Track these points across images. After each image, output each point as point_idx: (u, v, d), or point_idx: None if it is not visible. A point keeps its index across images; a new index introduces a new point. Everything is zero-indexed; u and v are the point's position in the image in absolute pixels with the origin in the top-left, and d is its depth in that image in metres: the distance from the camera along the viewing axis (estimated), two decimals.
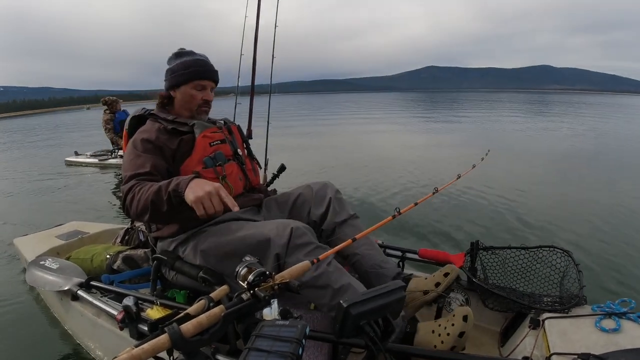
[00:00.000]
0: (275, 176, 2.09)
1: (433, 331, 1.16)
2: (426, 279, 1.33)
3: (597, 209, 3.90)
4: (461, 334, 1.09)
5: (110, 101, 6.41)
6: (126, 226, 2.22)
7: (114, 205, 4.59)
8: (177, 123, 1.39)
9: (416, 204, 1.50)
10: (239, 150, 1.51)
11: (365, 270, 1.38)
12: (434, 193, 1.64)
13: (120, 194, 1.24)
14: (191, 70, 1.40)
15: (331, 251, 1.04)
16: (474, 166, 2.16)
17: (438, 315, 1.41)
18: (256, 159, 1.65)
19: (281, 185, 1.98)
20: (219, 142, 1.42)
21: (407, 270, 1.73)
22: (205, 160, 1.35)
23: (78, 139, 13.11)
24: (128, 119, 1.48)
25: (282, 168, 2.09)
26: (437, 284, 1.29)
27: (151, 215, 1.14)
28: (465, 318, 1.11)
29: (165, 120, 1.40)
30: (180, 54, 1.45)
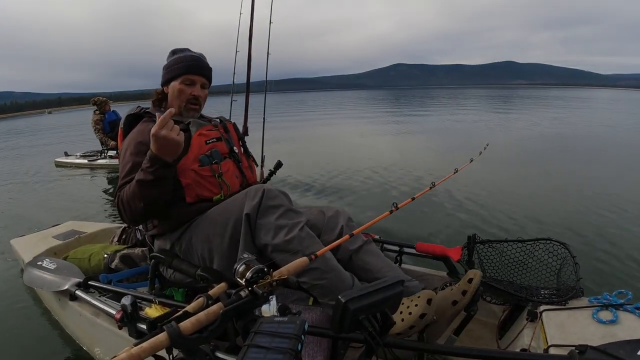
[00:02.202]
0: (272, 173, 2.08)
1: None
2: (452, 289, 1.22)
3: (593, 201, 3.92)
4: (422, 315, 1.08)
5: (100, 101, 6.36)
6: (123, 225, 2.21)
7: (107, 205, 4.56)
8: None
9: (413, 198, 1.50)
10: (234, 148, 1.50)
11: None
12: (431, 187, 1.64)
13: (113, 193, 1.26)
14: (181, 65, 1.41)
15: (328, 247, 1.04)
16: (471, 160, 2.17)
17: (465, 324, 1.30)
18: (252, 156, 1.64)
19: (278, 182, 1.98)
20: (214, 139, 1.42)
21: (405, 265, 1.74)
22: (201, 158, 1.34)
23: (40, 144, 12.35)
24: (123, 117, 1.47)
25: (278, 164, 2.08)
26: (464, 292, 1.20)
27: (145, 205, 1.18)
28: (429, 301, 1.10)
29: None
30: (175, 51, 1.46)
